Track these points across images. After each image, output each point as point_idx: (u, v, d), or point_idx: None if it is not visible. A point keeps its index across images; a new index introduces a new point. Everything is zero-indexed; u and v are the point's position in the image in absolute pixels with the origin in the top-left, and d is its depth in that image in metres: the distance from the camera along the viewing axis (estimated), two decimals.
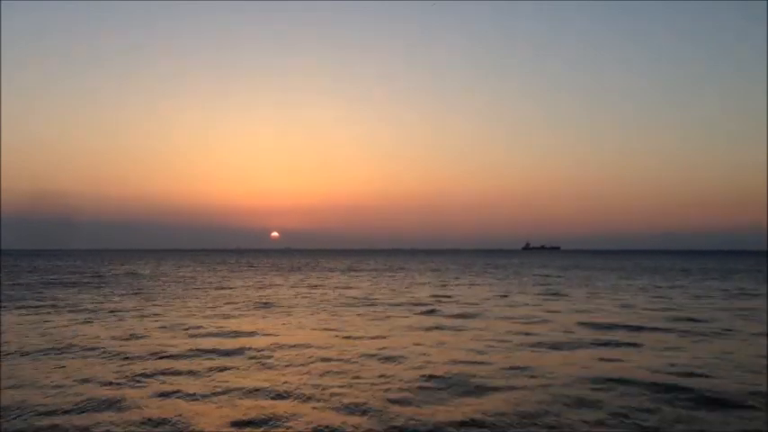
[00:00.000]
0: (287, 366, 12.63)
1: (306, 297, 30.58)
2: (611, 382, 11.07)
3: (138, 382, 11.14)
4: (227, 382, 11.13)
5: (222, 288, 37.44)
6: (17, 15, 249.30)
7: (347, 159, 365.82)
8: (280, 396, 10.13)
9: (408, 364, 12.77)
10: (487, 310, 24.35)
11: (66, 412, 9.14)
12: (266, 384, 10.93)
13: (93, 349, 14.63)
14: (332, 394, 10.23)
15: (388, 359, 13.43)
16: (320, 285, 40.56)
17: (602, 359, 13.50)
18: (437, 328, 18.85)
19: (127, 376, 11.57)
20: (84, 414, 9.04)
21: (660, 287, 38.79)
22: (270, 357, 13.64)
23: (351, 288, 37.79)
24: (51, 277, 48.83)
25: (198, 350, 14.43)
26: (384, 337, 16.65)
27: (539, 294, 32.42)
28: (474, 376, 11.62)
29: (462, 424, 8.63)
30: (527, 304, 26.63)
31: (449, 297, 30.56)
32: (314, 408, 9.44)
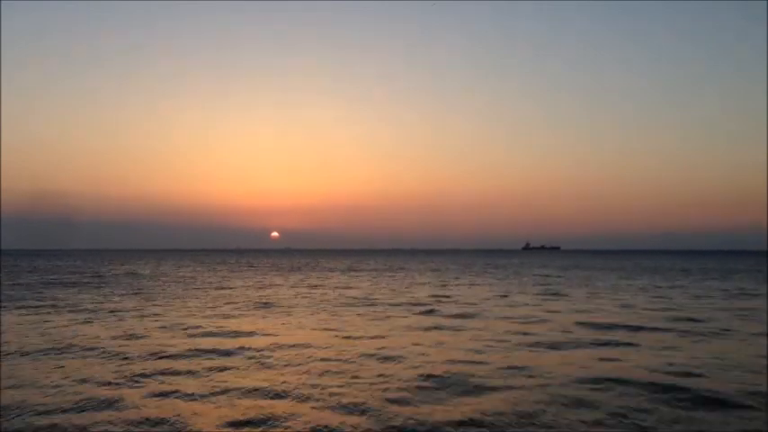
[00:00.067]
0: (286, 366, 12.64)
1: (306, 297, 30.59)
2: (610, 382, 11.07)
3: (138, 381, 11.15)
4: (226, 381, 11.14)
5: (222, 288, 37.46)
6: (17, 15, 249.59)
7: (347, 159, 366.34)
8: (278, 396, 10.14)
9: (407, 364, 12.78)
10: (487, 310, 24.36)
11: (65, 412, 9.15)
12: (265, 384, 10.94)
13: (92, 349, 14.64)
14: (331, 394, 10.24)
15: (387, 359, 13.44)
16: (320, 285, 40.57)
17: (600, 359, 13.50)
18: (436, 328, 18.86)
19: (126, 376, 11.58)
20: (83, 414, 9.05)
21: (660, 287, 38.79)
22: (269, 357, 13.65)
23: (351, 288, 37.80)
24: (51, 277, 48.85)
25: (197, 350, 14.44)
26: (383, 337, 16.66)
27: (538, 294, 32.42)
28: (473, 376, 11.63)
29: (461, 423, 8.64)
30: (527, 304, 26.64)
31: (448, 297, 30.58)
32: (313, 407, 9.45)
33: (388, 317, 21.76)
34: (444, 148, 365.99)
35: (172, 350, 14.42)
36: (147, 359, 13.35)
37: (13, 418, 8.87)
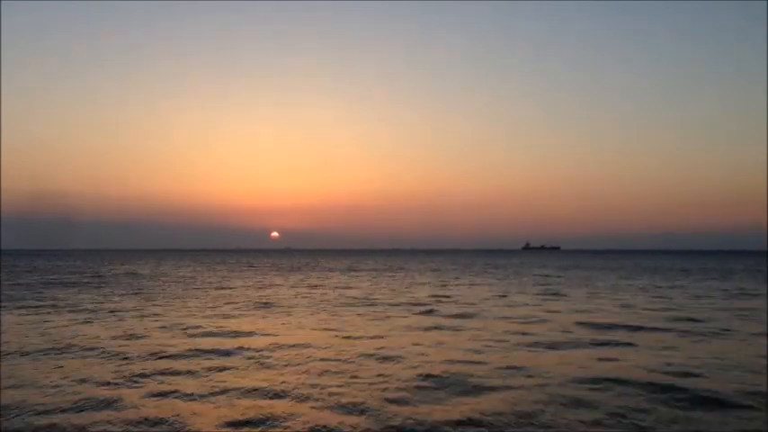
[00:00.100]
0: (285, 366, 12.65)
1: (305, 297, 30.60)
2: (609, 382, 11.08)
3: (137, 381, 11.16)
4: (225, 381, 11.16)
5: (222, 288, 37.47)
6: (17, 15, 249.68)
7: (347, 159, 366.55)
8: (278, 396, 10.15)
9: (407, 364, 12.80)
10: (486, 310, 24.37)
11: (64, 411, 9.16)
12: (264, 384, 10.95)
13: (92, 349, 14.66)
14: (330, 394, 10.25)
15: (386, 359, 13.45)
16: (320, 285, 40.58)
17: (600, 359, 13.51)
18: (436, 328, 18.87)
19: (125, 376, 11.59)
20: (82, 413, 9.06)
21: (660, 287, 38.80)
22: (269, 357, 13.66)
23: (350, 288, 37.81)
24: (51, 277, 48.87)
25: (197, 350, 14.45)
26: (383, 337, 16.67)
27: (538, 294, 32.43)
28: (472, 376, 11.64)
29: (460, 423, 8.65)
30: (526, 304, 26.64)
31: (448, 297, 30.59)
32: (312, 407, 9.47)
33: (388, 317, 21.77)
34: (444, 148, 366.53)
35: (171, 350, 14.43)
36: (147, 359, 13.37)
37: (13, 417, 8.88)
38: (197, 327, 18.76)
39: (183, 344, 15.39)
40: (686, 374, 11.83)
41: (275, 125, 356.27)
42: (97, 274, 55.78)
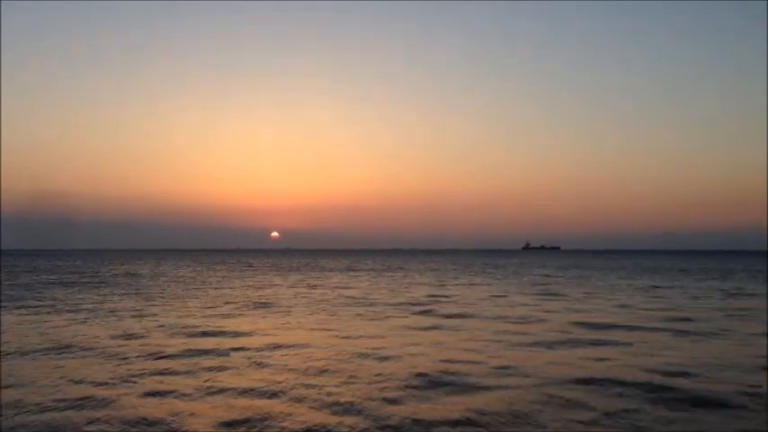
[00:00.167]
0: (283, 366, 12.70)
1: (304, 297, 30.66)
2: (606, 382, 11.12)
3: (135, 381, 11.21)
4: (223, 381, 11.20)
5: (221, 288, 37.52)
6: (17, 15, 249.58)
7: (347, 159, 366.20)
8: (275, 396, 10.20)
9: (404, 364, 12.84)
10: (484, 310, 24.42)
11: (63, 411, 9.21)
12: (262, 384, 11.00)
13: (91, 349, 14.71)
14: (327, 394, 10.30)
15: (384, 359, 13.50)
16: (319, 285, 40.64)
17: (597, 359, 13.55)
18: (434, 327, 18.93)
19: (124, 376, 11.64)
20: (80, 413, 9.11)
21: (659, 287, 38.85)
22: (267, 357, 13.71)
23: (349, 288, 37.86)
24: (51, 277, 48.92)
25: (195, 350, 14.50)
26: (381, 337, 16.72)
27: (536, 294, 32.48)
28: (469, 375, 11.69)
29: (457, 423, 8.70)
30: (524, 304, 26.69)
31: (447, 297, 30.64)
32: (309, 407, 9.51)
33: (387, 317, 21.82)
34: (444, 148, 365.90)
35: (170, 350, 14.48)
36: (145, 359, 13.42)
37: (13, 417, 8.93)
38: (195, 327, 18.81)
39: (181, 344, 15.44)
40: (683, 375, 11.87)
41: (275, 125, 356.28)
42: (97, 274, 55.83)
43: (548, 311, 23.64)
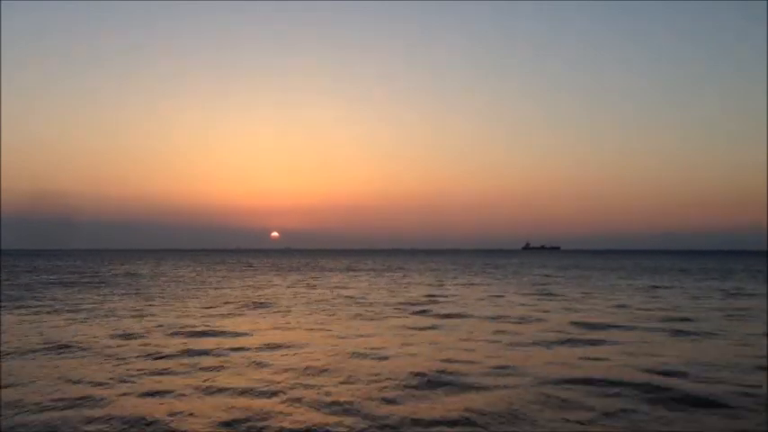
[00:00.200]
0: (282, 366, 12.72)
1: (303, 297, 30.68)
2: (604, 383, 11.14)
3: (134, 381, 11.24)
4: (222, 381, 11.23)
5: (220, 288, 37.55)
6: (17, 15, 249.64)
7: (347, 159, 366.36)
8: (274, 395, 10.22)
9: (403, 364, 12.87)
10: (483, 309, 24.44)
11: (61, 410, 9.24)
12: (259, 384, 11.02)
13: (90, 349, 14.73)
14: (326, 394, 10.32)
15: (382, 359, 13.52)
16: (318, 285, 40.67)
17: (595, 359, 13.57)
18: (433, 327, 18.95)
19: (123, 376, 11.67)
20: (79, 413, 9.13)
21: (659, 287, 38.87)
22: (265, 357, 13.74)
23: (348, 288, 37.89)
24: (51, 277, 48.95)
25: (193, 350, 14.52)
26: (380, 337, 16.75)
27: (535, 294, 32.50)
28: (467, 375, 11.72)
29: (455, 423, 8.73)
30: (523, 304, 26.71)
31: (445, 297, 30.66)
32: (308, 407, 9.54)
33: (385, 317, 21.84)
34: (444, 148, 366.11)
35: (169, 350, 14.51)
36: (144, 359, 13.44)
37: (12, 416, 8.96)
38: (194, 327, 18.83)
39: (179, 344, 15.46)
40: (682, 375, 11.88)
41: (275, 125, 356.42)
42: (96, 274, 55.86)
43: (546, 311, 23.67)
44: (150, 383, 11.04)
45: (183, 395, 10.19)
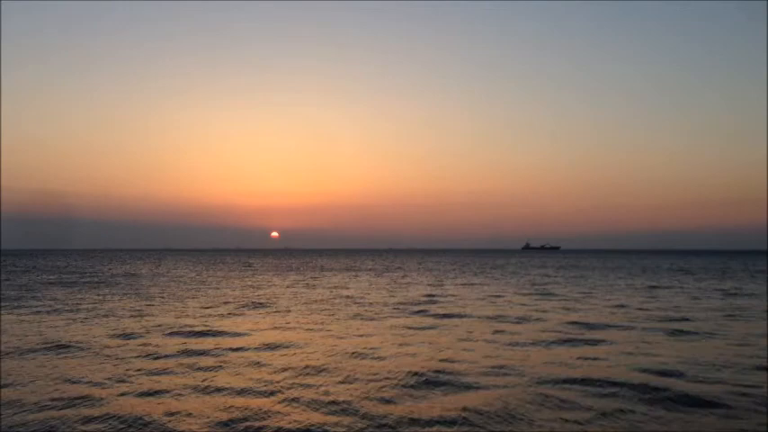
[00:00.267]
0: (279, 366, 12.74)
1: (302, 297, 30.69)
2: (602, 382, 11.16)
3: (132, 381, 11.25)
4: (219, 381, 11.25)
5: (220, 288, 37.56)
6: (17, 15, 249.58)
7: (347, 159, 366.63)
8: (272, 395, 10.24)
9: (401, 363, 12.88)
10: (481, 309, 24.45)
11: (60, 410, 9.26)
12: (258, 384, 11.04)
13: (89, 349, 14.75)
14: (324, 393, 10.34)
15: (381, 358, 13.54)
16: (317, 285, 40.67)
17: (593, 359, 13.59)
18: (431, 327, 18.96)
19: (121, 375, 11.68)
20: (77, 412, 9.15)
21: (657, 287, 38.87)
22: (263, 357, 13.75)
23: (347, 288, 37.90)
24: (50, 277, 48.94)
25: (192, 350, 14.54)
26: (377, 337, 16.76)
27: (533, 294, 32.51)
28: (465, 375, 11.73)
29: (452, 422, 8.74)
30: (522, 304, 26.72)
31: (444, 297, 30.67)
32: (306, 407, 9.55)
33: (384, 317, 21.86)
34: (445, 148, 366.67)
35: (167, 350, 14.52)
36: (143, 359, 13.46)
37: (12, 416, 8.98)
38: (193, 327, 18.84)
39: (178, 344, 15.48)
40: (680, 375, 11.90)
41: (275, 125, 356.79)
42: (96, 274, 55.85)
43: (545, 311, 23.68)
44: (149, 383, 11.06)
45: (182, 395, 10.21)
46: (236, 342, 15.82)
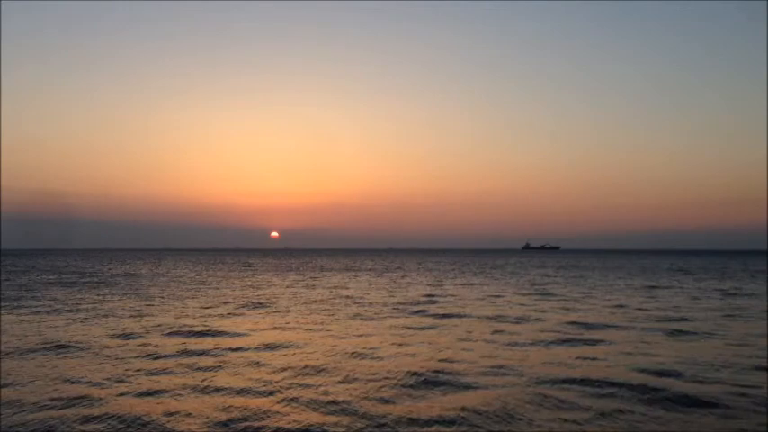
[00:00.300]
0: (279, 366, 12.75)
1: (301, 297, 30.70)
2: (601, 383, 11.17)
3: (132, 381, 11.26)
4: (218, 381, 11.26)
5: (220, 288, 37.56)
6: (17, 15, 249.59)
7: (347, 159, 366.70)
8: (271, 395, 10.25)
9: (400, 363, 12.89)
10: (481, 309, 24.46)
11: (60, 410, 9.27)
12: (257, 384, 11.05)
13: (88, 349, 14.76)
14: (324, 393, 10.35)
15: (380, 358, 13.55)
16: (316, 285, 40.68)
17: (591, 359, 13.60)
18: (431, 327, 18.97)
19: (120, 375, 11.69)
20: (76, 412, 9.16)
21: (658, 287, 38.88)
22: (262, 357, 13.76)
23: (346, 288, 37.91)
24: (50, 277, 48.95)
25: (191, 350, 14.55)
26: (377, 337, 16.77)
27: (533, 294, 32.52)
28: (464, 375, 11.74)
29: (451, 422, 8.75)
30: (522, 304, 26.73)
31: (443, 297, 30.68)
32: (305, 407, 9.56)
33: (383, 317, 21.86)
34: (445, 148, 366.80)
35: (167, 350, 14.53)
36: (142, 359, 13.47)
37: (11, 415, 8.99)
38: (193, 327, 18.84)
39: (178, 344, 15.49)
40: (680, 375, 11.90)
41: (275, 125, 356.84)
42: (96, 273, 55.85)
43: (544, 311, 23.69)
44: (148, 383, 11.06)
45: (181, 395, 10.22)
46: (236, 342, 15.83)
